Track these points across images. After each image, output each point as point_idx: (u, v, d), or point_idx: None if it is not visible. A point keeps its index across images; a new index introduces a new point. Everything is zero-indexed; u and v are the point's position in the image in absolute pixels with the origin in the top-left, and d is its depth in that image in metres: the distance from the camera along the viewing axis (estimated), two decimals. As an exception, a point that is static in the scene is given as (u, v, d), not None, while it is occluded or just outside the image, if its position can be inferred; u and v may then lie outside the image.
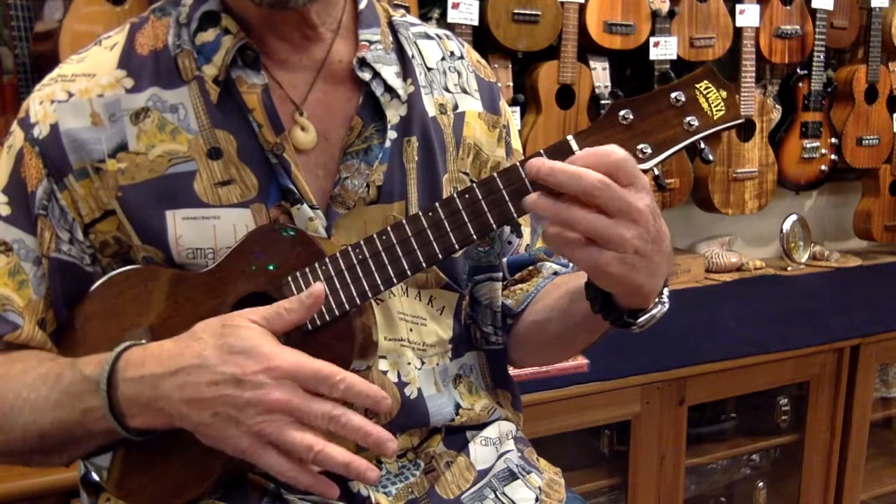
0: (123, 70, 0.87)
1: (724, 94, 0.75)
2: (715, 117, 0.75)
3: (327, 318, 0.79)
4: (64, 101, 0.86)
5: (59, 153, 0.85)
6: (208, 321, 0.76)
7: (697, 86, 0.75)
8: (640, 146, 0.74)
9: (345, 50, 0.91)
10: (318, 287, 0.77)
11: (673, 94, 0.74)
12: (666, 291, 0.81)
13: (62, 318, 0.89)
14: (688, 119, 0.74)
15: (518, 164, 0.75)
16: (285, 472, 0.73)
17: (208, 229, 0.85)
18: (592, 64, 2.21)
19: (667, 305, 0.81)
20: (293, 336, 0.79)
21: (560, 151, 0.73)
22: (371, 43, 0.91)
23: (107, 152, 0.85)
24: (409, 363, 0.93)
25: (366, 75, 0.89)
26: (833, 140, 2.62)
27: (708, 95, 0.75)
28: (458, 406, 0.97)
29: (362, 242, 0.79)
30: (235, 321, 0.74)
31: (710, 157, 0.77)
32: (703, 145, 0.76)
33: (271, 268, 0.81)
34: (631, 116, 0.74)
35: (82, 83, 0.87)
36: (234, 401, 0.71)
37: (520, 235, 1.04)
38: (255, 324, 0.74)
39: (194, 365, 0.72)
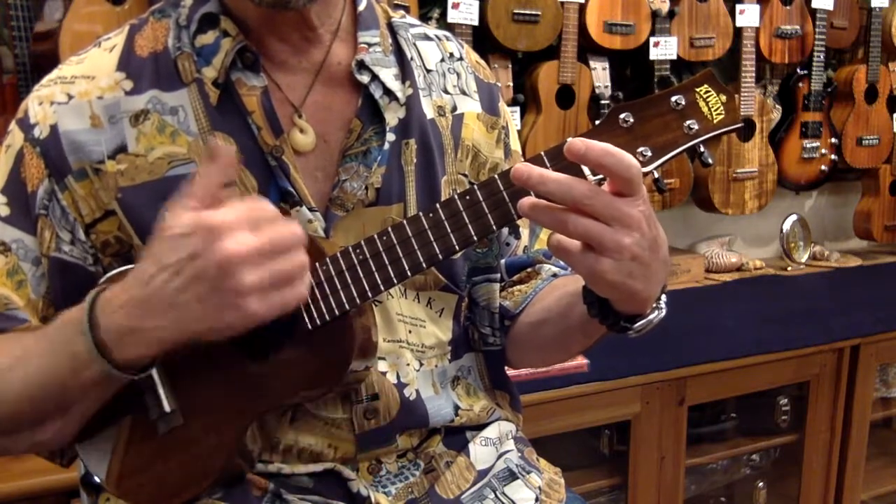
0: (122, 72, 0.87)
1: (723, 98, 0.75)
2: (715, 121, 0.75)
3: (327, 318, 0.79)
4: (64, 102, 0.86)
5: (59, 154, 0.85)
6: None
7: (697, 90, 0.75)
8: (640, 149, 0.74)
9: (343, 52, 0.91)
10: (217, 145, 0.74)
11: (673, 98, 0.74)
12: (664, 297, 0.81)
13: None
14: (688, 123, 0.74)
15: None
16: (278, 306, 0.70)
17: (208, 231, 0.85)
18: (592, 64, 2.20)
19: (664, 311, 0.81)
20: (295, 337, 0.79)
21: (562, 155, 0.73)
22: (370, 45, 0.91)
23: (106, 154, 0.85)
24: (409, 364, 0.93)
25: (364, 78, 0.89)
26: (833, 140, 2.62)
27: (708, 99, 0.75)
28: (456, 407, 0.97)
29: (363, 242, 0.79)
30: (164, 221, 0.72)
31: (710, 161, 0.77)
32: (702, 149, 0.76)
33: None
34: (631, 120, 0.74)
35: (82, 85, 0.87)
36: (203, 274, 0.68)
37: (518, 237, 1.04)
38: (179, 207, 0.71)
39: (154, 269, 0.70)
